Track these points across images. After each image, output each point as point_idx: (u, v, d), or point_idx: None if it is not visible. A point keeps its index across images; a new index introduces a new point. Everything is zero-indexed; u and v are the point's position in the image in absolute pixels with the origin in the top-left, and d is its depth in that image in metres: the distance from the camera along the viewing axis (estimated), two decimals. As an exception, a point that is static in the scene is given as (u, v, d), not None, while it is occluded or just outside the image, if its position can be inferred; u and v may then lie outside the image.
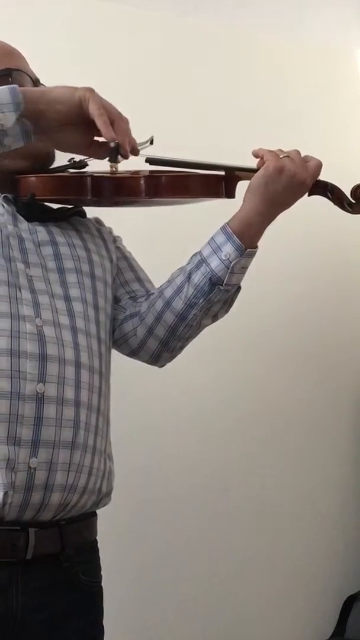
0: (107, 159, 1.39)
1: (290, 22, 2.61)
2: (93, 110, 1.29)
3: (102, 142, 1.36)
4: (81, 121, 1.32)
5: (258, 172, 1.45)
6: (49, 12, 2.32)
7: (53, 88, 1.34)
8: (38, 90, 1.37)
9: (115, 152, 1.34)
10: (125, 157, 1.36)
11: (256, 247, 1.47)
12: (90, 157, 1.43)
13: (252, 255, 1.46)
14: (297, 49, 2.72)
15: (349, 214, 1.55)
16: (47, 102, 1.29)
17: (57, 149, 1.46)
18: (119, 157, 1.36)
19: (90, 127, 1.33)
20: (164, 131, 2.38)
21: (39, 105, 1.29)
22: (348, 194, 1.53)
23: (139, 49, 2.46)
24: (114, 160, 1.39)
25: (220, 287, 1.47)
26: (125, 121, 1.35)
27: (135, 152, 1.38)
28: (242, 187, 1.51)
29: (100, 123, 1.30)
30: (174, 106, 2.49)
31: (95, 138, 1.38)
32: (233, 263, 1.44)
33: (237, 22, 2.60)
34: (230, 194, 1.51)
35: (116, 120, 1.33)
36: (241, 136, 2.52)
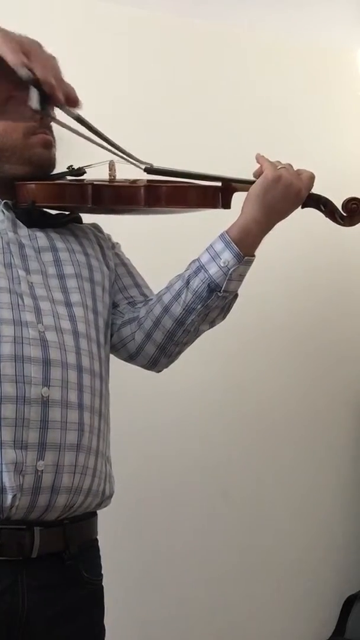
0: (33, 106, 1.05)
1: (290, 22, 2.61)
2: None
3: (24, 98, 1.11)
4: None
5: (257, 181, 1.47)
6: (49, 12, 2.32)
7: None
8: None
9: (37, 93, 1.02)
10: (53, 97, 1.05)
11: (254, 255, 1.48)
12: (6, 119, 1.19)
13: (249, 263, 1.47)
14: (297, 49, 2.71)
15: (341, 226, 1.56)
16: None
17: None
18: (46, 102, 1.04)
19: (6, 81, 1.10)
20: (164, 131, 2.41)
21: None
22: (340, 206, 1.54)
23: (138, 49, 2.46)
24: (42, 108, 1.03)
25: (219, 293, 1.48)
26: (49, 57, 1.08)
27: (72, 100, 1.09)
28: (237, 197, 1.52)
29: (4, 49, 1.03)
30: (174, 106, 2.49)
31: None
32: (231, 270, 1.45)
33: (237, 22, 2.59)
34: (226, 204, 1.54)
35: (32, 51, 1.06)
36: (241, 136, 2.53)
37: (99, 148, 1.47)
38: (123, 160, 1.44)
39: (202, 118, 2.53)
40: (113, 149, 1.38)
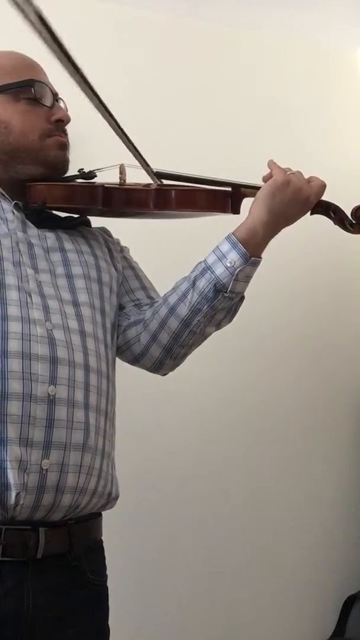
0: None
1: (290, 22, 2.61)
2: None
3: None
4: None
5: (266, 183, 1.48)
6: (49, 13, 2.30)
7: None
8: None
9: None
10: None
11: (260, 257, 1.48)
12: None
13: (256, 264, 1.48)
14: (297, 49, 2.72)
15: (350, 234, 1.57)
16: None
17: None
18: None
19: None
20: (164, 131, 2.41)
21: None
22: (349, 213, 1.55)
23: (138, 49, 2.46)
24: None
25: (225, 294, 1.48)
26: None
27: None
28: (246, 204, 1.52)
29: None
30: (174, 106, 2.49)
31: None
32: (237, 270, 1.46)
33: (237, 22, 2.59)
34: (235, 209, 1.55)
35: None
36: (241, 135, 2.53)
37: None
38: (134, 165, 1.44)
39: (201, 118, 2.53)
40: (124, 137, 1.39)
